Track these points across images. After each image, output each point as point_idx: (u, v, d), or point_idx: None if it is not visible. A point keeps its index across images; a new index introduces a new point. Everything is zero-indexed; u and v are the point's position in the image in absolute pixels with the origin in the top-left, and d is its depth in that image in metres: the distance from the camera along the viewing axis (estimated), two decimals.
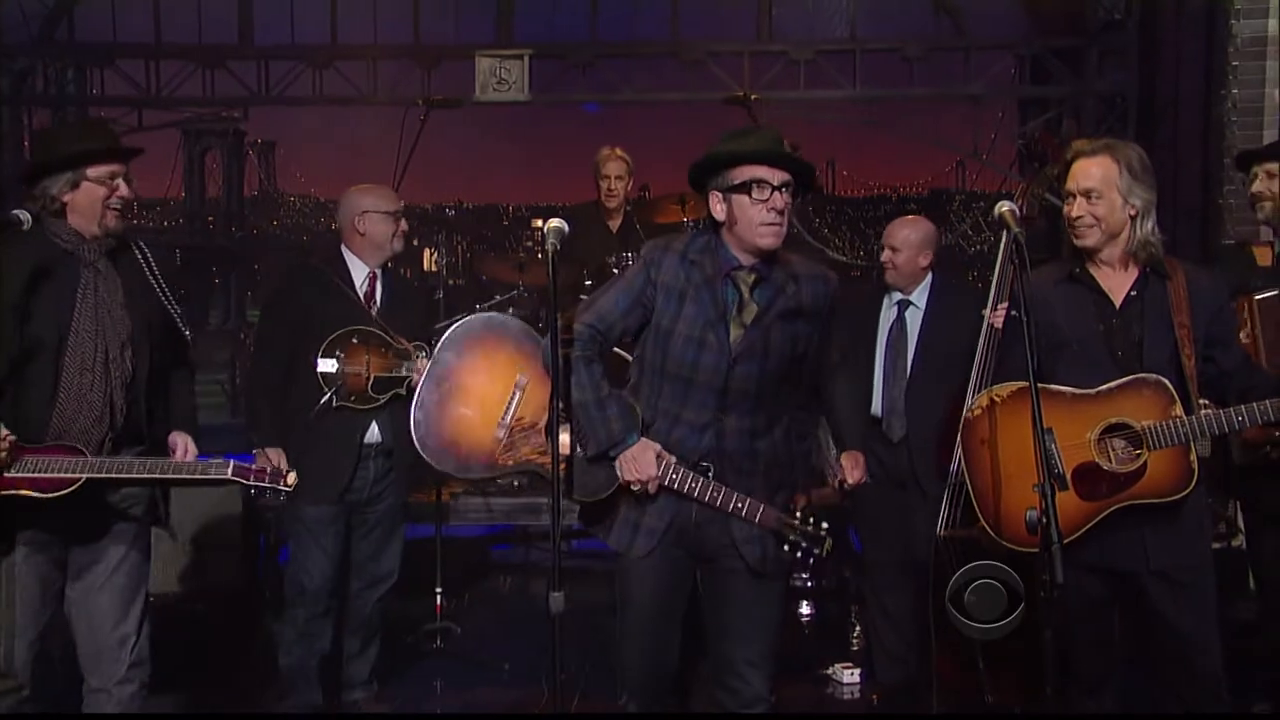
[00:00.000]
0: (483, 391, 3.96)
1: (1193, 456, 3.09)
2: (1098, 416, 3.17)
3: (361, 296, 4.24)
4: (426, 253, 14.82)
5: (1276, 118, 5.73)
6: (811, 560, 3.10)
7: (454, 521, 6.39)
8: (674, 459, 3.09)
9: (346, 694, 4.43)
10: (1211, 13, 6.24)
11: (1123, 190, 3.18)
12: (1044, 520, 2.69)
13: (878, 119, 8.75)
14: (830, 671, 4.85)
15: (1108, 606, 3.29)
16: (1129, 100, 7.69)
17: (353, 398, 4.12)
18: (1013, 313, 3.99)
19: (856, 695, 4.76)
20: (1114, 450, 3.17)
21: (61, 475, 3.15)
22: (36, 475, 3.14)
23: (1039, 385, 3.34)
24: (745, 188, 3.03)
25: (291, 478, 3.40)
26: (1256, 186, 3.96)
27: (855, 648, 5.12)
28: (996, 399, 3.36)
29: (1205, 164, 6.55)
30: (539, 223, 3.24)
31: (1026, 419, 3.26)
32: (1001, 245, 4.09)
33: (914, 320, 4.45)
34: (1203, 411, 3.12)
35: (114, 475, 3.23)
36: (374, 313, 4.22)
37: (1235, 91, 5.89)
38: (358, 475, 4.19)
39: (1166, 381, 3.12)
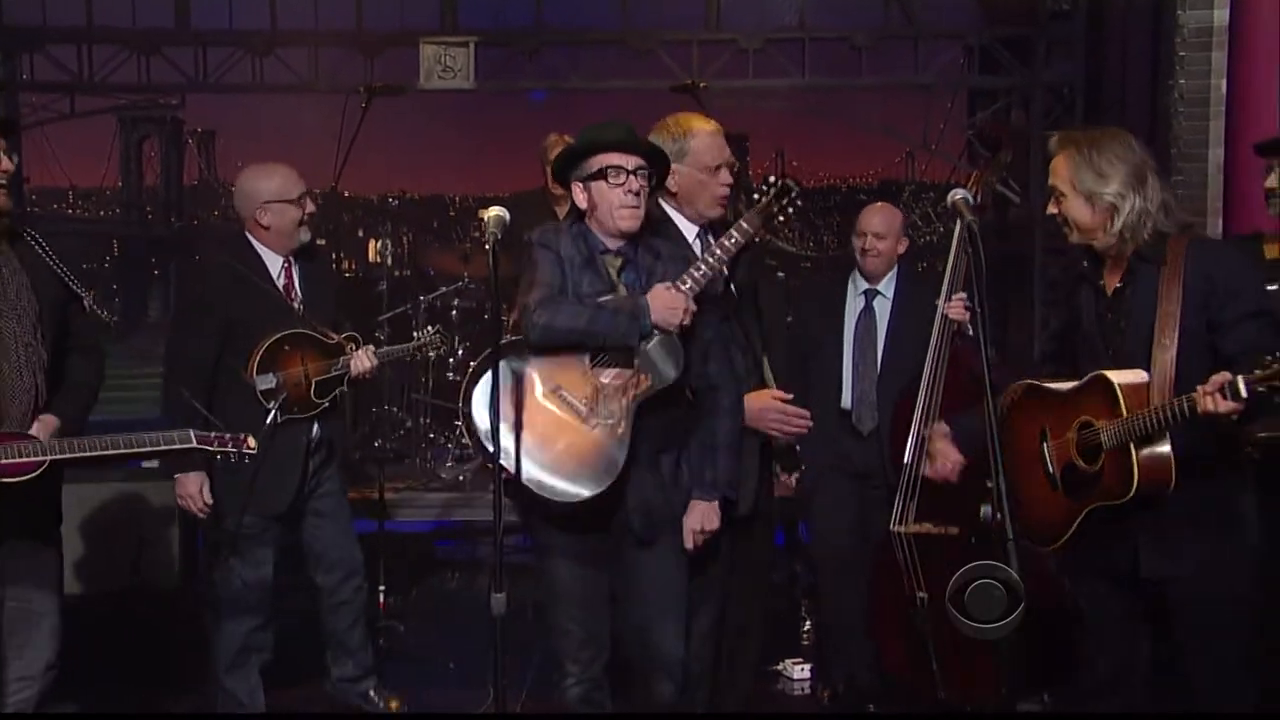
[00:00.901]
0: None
1: (1136, 460, 2.94)
2: (1074, 415, 3.10)
3: (282, 291, 4.06)
4: (371, 244, 14.68)
5: (1222, 109, 5.74)
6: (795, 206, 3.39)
7: (397, 517, 6.29)
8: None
9: (351, 687, 4.33)
10: (1158, 4, 6.26)
11: (1084, 187, 3.08)
12: (999, 516, 2.64)
13: (827, 108, 8.73)
14: (780, 667, 4.81)
15: (1122, 611, 3.19)
16: (1077, 91, 7.71)
17: (296, 408, 3.97)
18: (969, 304, 3.98)
19: (806, 691, 4.73)
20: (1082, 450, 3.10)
21: (23, 460, 3.09)
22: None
23: (1038, 384, 3.31)
24: (602, 174, 3.23)
25: (251, 441, 3.37)
26: (1271, 181, 3.82)
27: (805, 643, 5.08)
28: (1011, 397, 3.31)
29: (1153, 154, 6.56)
30: (485, 214, 3.17)
31: (1033, 418, 3.23)
32: (955, 234, 4.06)
33: (883, 311, 4.42)
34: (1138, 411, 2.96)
35: (77, 455, 3.16)
36: (297, 307, 4.06)
37: (1182, 82, 5.90)
38: (308, 468, 4.10)
39: (1112, 379, 3.00)
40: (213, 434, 3.32)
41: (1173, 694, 3.24)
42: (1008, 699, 3.07)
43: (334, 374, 4.05)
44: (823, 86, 8.32)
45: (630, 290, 3.26)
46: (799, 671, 4.76)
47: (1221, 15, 5.59)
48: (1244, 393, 2.71)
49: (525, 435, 3.19)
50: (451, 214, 16.56)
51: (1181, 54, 5.83)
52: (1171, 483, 2.94)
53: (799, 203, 3.35)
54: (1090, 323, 3.20)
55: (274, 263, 4.08)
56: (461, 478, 6.73)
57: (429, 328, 4.54)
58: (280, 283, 4.08)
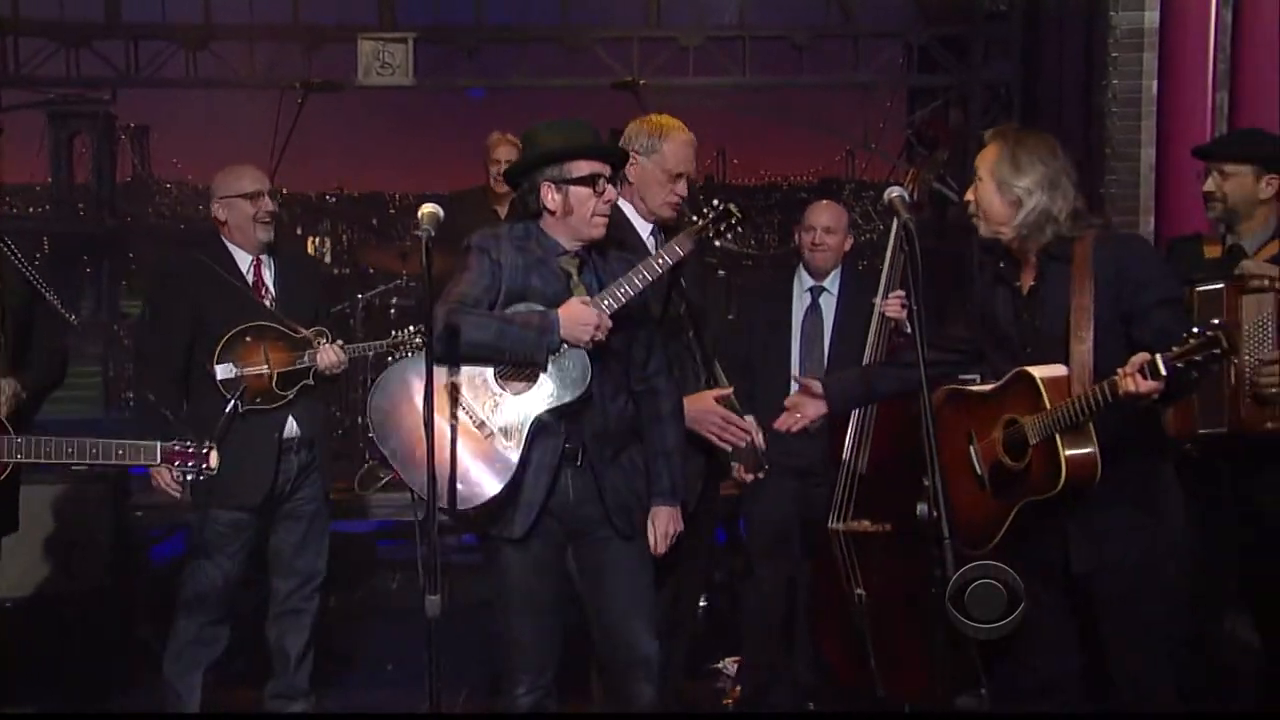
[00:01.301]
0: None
1: (1062, 451, 2.97)
2: (999, 414, 3.13)
3: (251, 287, 4.09)
4: (310, 241, 14.51)
5: (1154, 109, 5.83)
6: (735, 231, 3.36)
7: (338, 517, 6.20)
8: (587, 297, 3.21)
9: (283, 704, 4.24)
10: (1092, 5, 6.33)
11: (999, 177, 3.13)
12: (934, 514, 2.66)
13: (767, 107, 8.75)
14: (720, 665, 4.82)
15: (1054, 609, 3.21)
16: (1013, 90, 7.79)
17: (258, 399, 3.97)
18: (905, 302, 4.01)
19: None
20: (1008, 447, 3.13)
21: None
22: None
23: (959, 388, 3.34)
24: (588, 181, 3.20)
25: (214, 458, 3.38)
26: (1209, 185, 3.83)
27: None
28: (933, 404, 3.33)
29: (1087, 153, 6.66)
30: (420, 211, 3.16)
31: (958, 422, 3.26)
32: (892, 232, 4.09)
33: (829, 307, 4.46)
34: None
35: (41, 460, 3.19)
36: (268, 302, 4.07)
37: (1115, 82, 5.98)
38: (280, 472, 4.03)
39: (1034, 373, 3.04)
40: (176, 447, 3.34)
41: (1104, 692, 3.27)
42: (946, 695, 3.10)
43: (298, 367, 4.03)
44: (763, 85, 8.35)
45: (589, 290, 3.25)
46: (731, 668, 4.77)
47: (1152, 17, 5.67)
48: (1163, 370, 2.76)
49: (422, 443, 3.10)
50: (391, 212, 16.40)
51: (1114, 55, 5.91)
52: (1098, 474, 2.98)
53: (739, 229, 3.33)
54: (1008, 323, 3.24)
55: (243, 259, 4.13)
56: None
57: (409, 328, 4.47)
58: (250, 279, 4.11)
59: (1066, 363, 3.04)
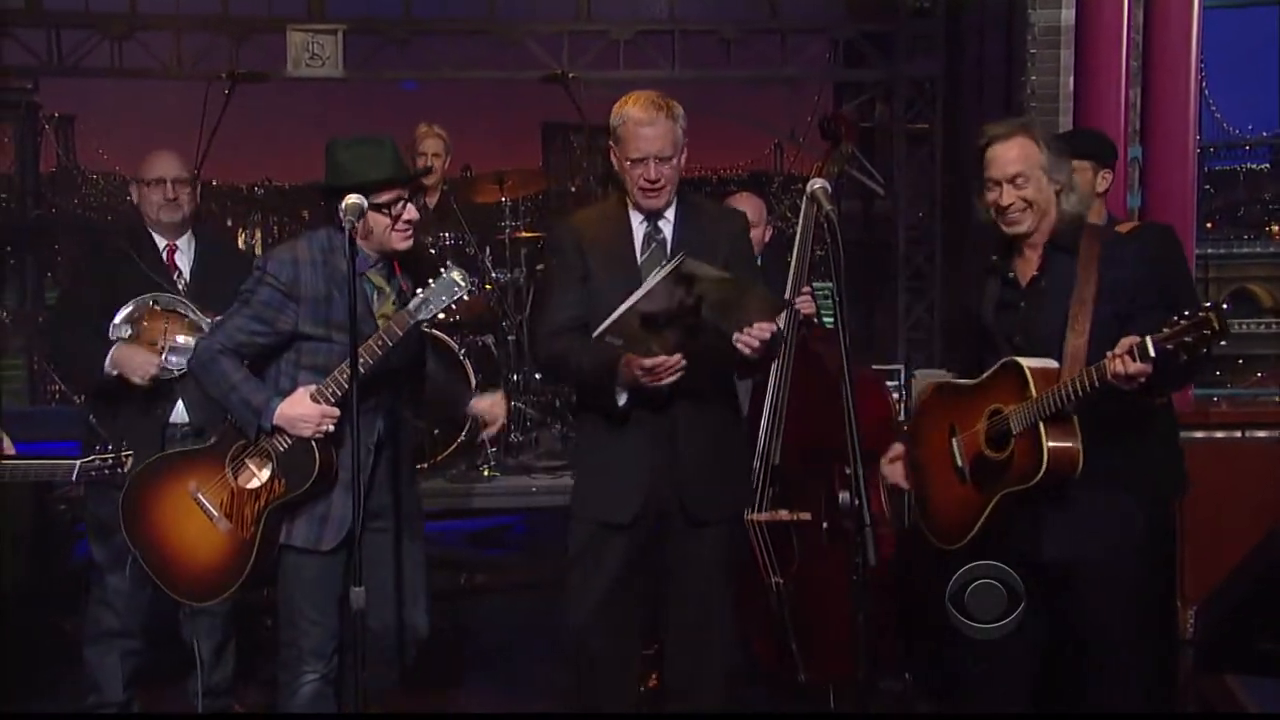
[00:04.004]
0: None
1: (1045, 441, 2.94)
2: (984, 404, 3.11)
3: (165, 270, 4.07)
4: (239, 232, 14.28)
5: (1070, 105, 5.92)
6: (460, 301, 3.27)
7: None
8: (315, 386, 3.27)
9: (207, 702, 4.16)
10: (1012, 3, 6.43)
11: (1046, 167, 3.09)
12: (856, 503, 2.68)
13: (697, 100, 8.76)
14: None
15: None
16: (937, 85, 7.90)
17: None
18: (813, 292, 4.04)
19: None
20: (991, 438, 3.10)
21: None
22: None
23: (947, 380, 3.34)
24: (384, 208, 3.27)
25: (129, 463, 3.42)
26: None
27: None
28: (921, 399, 3.36)
29: None
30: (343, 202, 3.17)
31: (943, 416, 3.25)
32: (800, 225, 4.10)
33: None
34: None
35: None
36: (181, 287, 4.05)
37: (1033, 79, 6.06)
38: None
39: (1022, 363, 3.01)
40: (95, 462, 3.39)
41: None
42: (867, 678, 3.13)
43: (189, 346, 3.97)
44: (693, 78, 8.38)
45: (398, 297, 3.32)
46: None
47: (1069, 15, 5.75)
48: (1152, 352, 2.72)
49: (163, 539, 3.43)
50: (322, 203, 16.16)
51: (1032, 51, 5.99)
52: (1079, 463, 2.95)
53: (465, 298, 3.24)
54: (990, 315, 3.22)
55: (160, 243, 4.13)
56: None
57: None
58: (164, 262, 4.10)
59: (1059, 356, 3.00)
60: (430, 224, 5.78)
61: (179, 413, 3.99)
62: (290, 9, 8.23)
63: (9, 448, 3.44)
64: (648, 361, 3.13)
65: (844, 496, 3.83)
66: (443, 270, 3.27)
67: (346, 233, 3.03)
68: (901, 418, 4.76)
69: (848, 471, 2.80)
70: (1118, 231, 3.31)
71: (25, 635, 4.76)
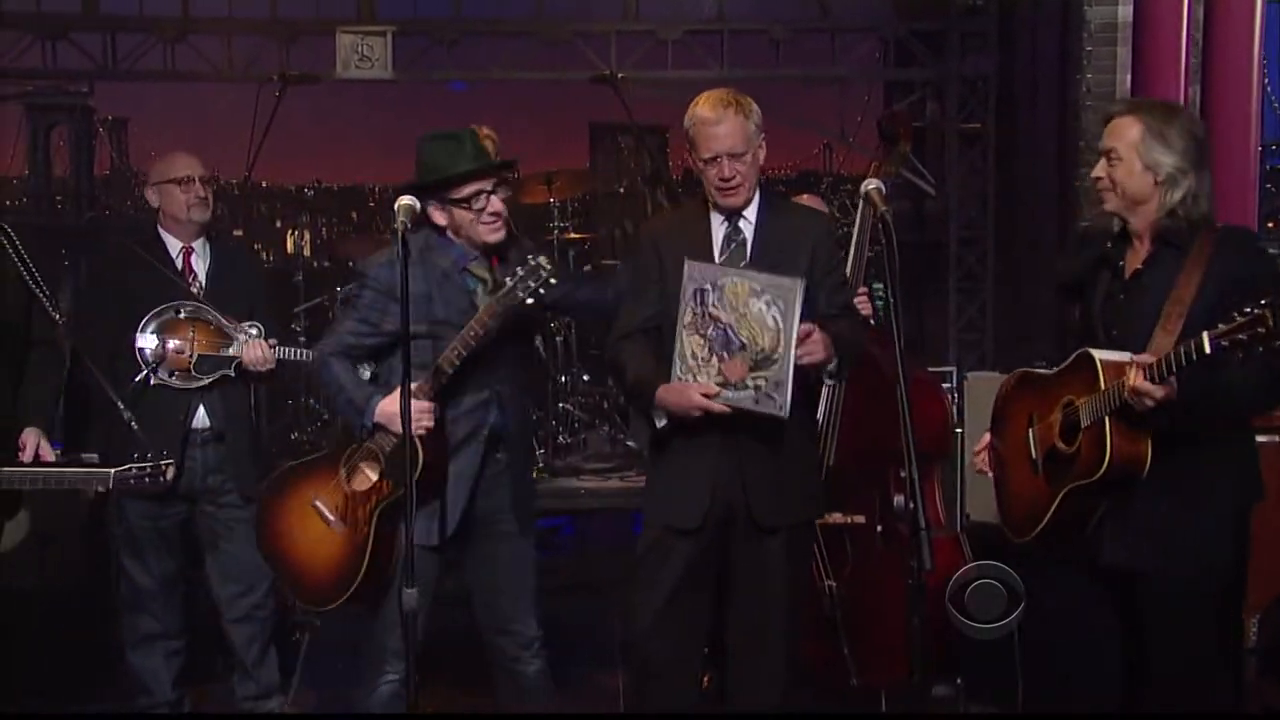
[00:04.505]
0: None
1: (1109, 436, 2.87)
2: (1059, 396, 3.05)
3: (179, 274, 4.06)
4: (289, 234, 14.40)
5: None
6: (546, 286, 3.24)
7: None
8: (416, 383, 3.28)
9: (258, 704, 4.22)
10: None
11: (1143, 153, 2.98)
12: (911, 506, 2.66)
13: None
14: None
15: (1092, 607, 3.16)
16: (989, 84, 7.81)
17: (173, 375, 3.92)
18: (870, 293, 4.01)
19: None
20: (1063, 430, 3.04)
21: None
22: None
23: (1029, 370, 3.26)
24: (465, 202, 3.34)
25: (170, 473, 3.42)
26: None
27: None
28: (1005, 388, 3.29)
29: (1061, 147, 6.67)
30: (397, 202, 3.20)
31: (1023, 406, 3.20)
32: (857, 224, 4.07)
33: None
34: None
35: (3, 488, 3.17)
36: (195, 290, 4.03)
37: (1089, 76, 6.00)
38: (185, 460, 3.97)
39: (1094, 354, 2.94)
40: (132, 471, 3.34)
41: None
42: (920, 683, 3.09)
43: (221, 354, 3.98)
44: (741, 79, 8.31)
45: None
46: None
47: (1126, 11, 5.69)
48: (1208, 348, 2.64)
49: (289, 547, 3.56)
50: (371, 204, 16.29)
51: (1088, 49, 5.93)
52: (1145, 464, 2.88)
53: (551, 281, 3.23)
54: (1097, 306, 3.13)
55: (174, 247, 4.09)
56: None
57: None
58: (179, 266, 4.08)
59: (1146, 351, 2.90)
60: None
61: (201, 418, 4.03)
62: (340, 11, 8.28)
63: (47, 453, 3.47)
64: (699, 398, 3.14)
65: (899, 500, 3.80)
66: (529, 257, 3.28)
67: (399, 234, 3.06)
68: (955, 419, 4.70)
69: (903, 474, 2.77)
70: (1234, 230, 3.13)
71: (73, 638, 4.81)
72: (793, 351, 3.05)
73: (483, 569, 3.55)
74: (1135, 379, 2.77)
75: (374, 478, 3.41)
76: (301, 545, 3.53)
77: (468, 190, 3.32)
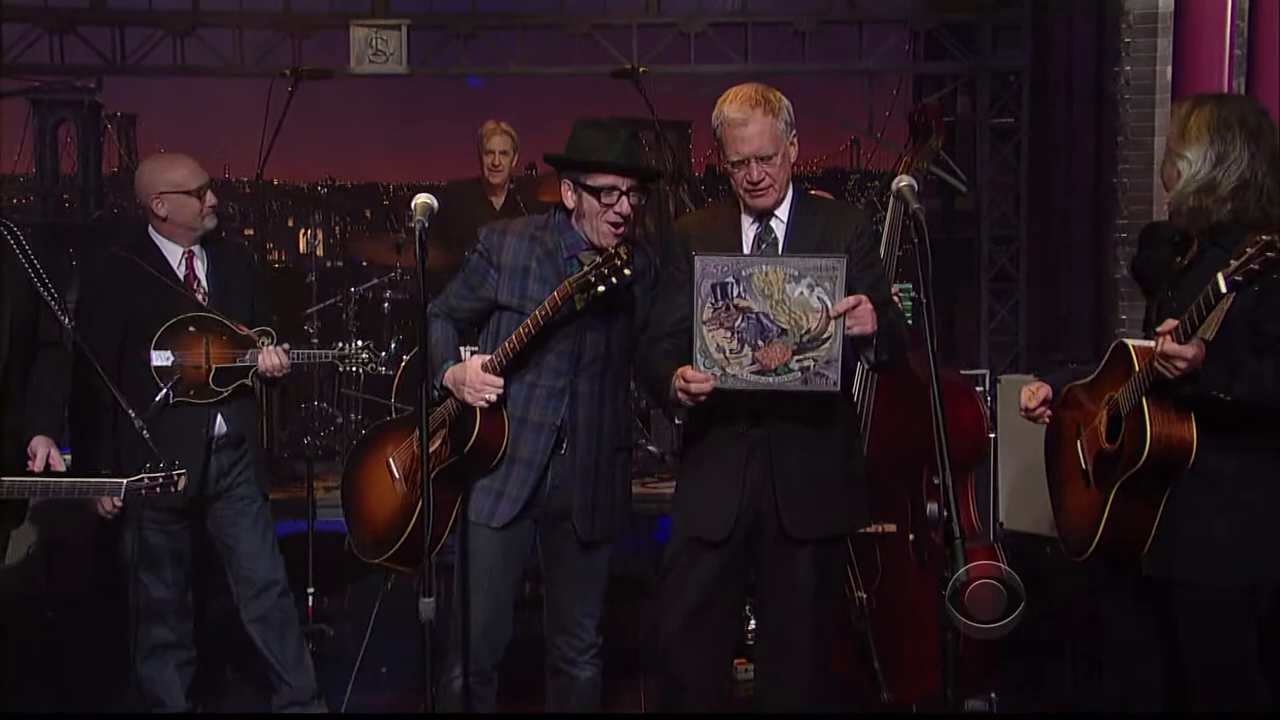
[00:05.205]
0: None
1: (1148, 420, 2.85)
2: (1102, 396, 3.06)
3: (183, 280, 4.04)
4: (301, 233, 14.43)
5: (1168, 96, 5.79)
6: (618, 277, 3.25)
7: (327, 516, 6.18)
8: (489, 356, 3.41)
9: (298, 709, 4.24)
10: None
11: (1173, 145, 3.03)
12: (945, 514, 2.63)
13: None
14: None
15: (1137, 623, 3.14)
16: (1023, 77, 7.77)
17: (191, 392, 3.93)
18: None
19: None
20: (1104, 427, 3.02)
21: None
22: None
23: (1075, 381, 3.23)
24: (596, 192, 3.35)
25: (182, 482, 3.43)
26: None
27: (750, 643, 5.07)
28: (1060, 403, 3.25)
29: (1098, 142, 6.63)
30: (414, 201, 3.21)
31: (1072, 418, 3.17)
32: (887, 222, 4.05)
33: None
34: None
35: (13, 497, 3.22)
36: (200, 298, 4.02)
37: (1128, 69, 5.95)
38: (208, 471, 4.00)
39: (1128, 342, 2.94)
40: (144, 481, 3.36)
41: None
42: (953, 698, 3.07)
43: (237, 364, 3.99)
44: (766, 73, 8.29)
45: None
46: (742, 673, 4.73)
47: (1167, 0, 5.64)
48: (1224, 287, 2.63)
49: (359, 495, 3.76)
50: (385, 203, 16.32)
51: (1127, 40, 5.88)
52: (1191, 448, 2.86)
53: (626, 271, 3.24)
54: (1154, 306, 3.14)
55: (173, 253, 4.08)
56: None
57: (358, 341, 4.50)
58: (180, 273, 4.06)
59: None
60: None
61: (219, 426, 4.05)
62: (353, 4, 8.28)
63: (57, 461, 3.47)
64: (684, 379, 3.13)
65: (932, 508, 3.77)
66: (612, 247, 3.33)
67: (417, 232, 3.07)
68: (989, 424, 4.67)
69: (936, 481, 2.75)
70: None
71: (88, 644, 4.83)
72: (843, 325, 3.04)
73: (553, 566, 3.63)
74: (1163, 344, 2.75)
75: (437, 443, 3.46)
76: (369, 498, 3.71)
77: (604, 180, 3.35)
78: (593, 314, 3.39)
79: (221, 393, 3.98)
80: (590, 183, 3.35)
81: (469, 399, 3.38)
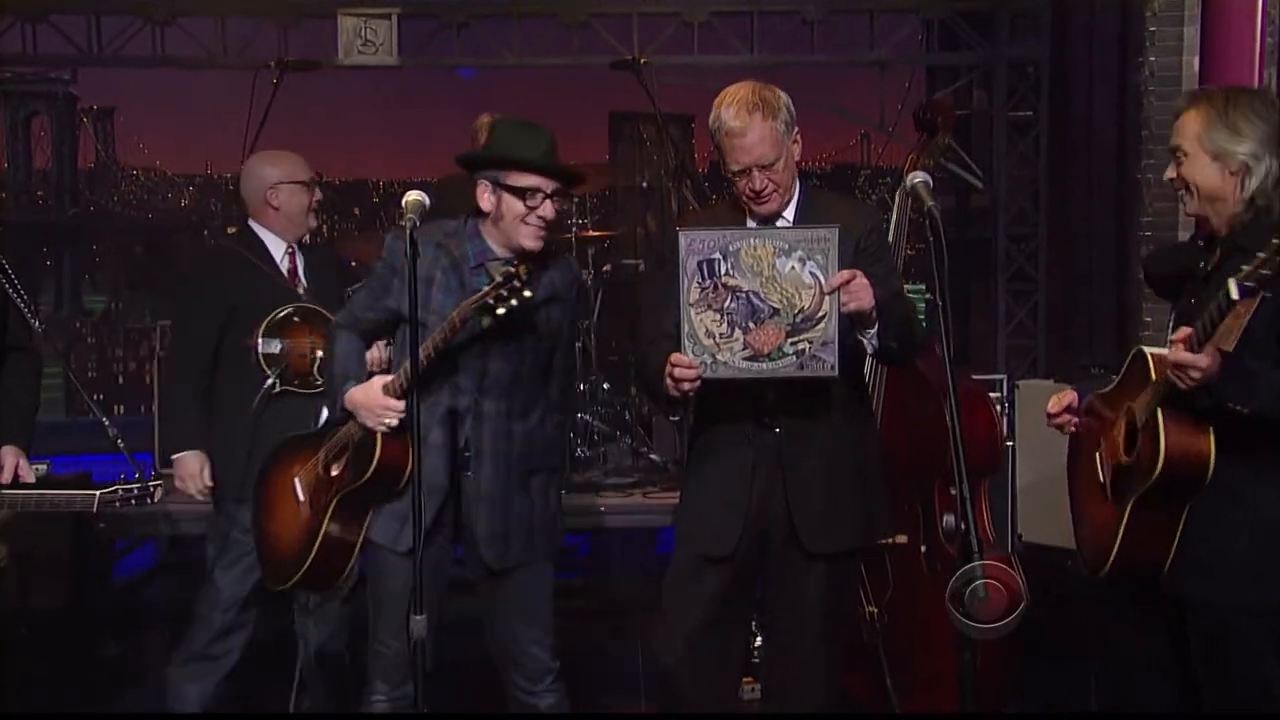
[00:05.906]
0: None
1: (1162, 429, 2.81)
2: (1121, 406, 3.02)
3: (285, 275, 4.18)
4: None
5: (1195, 87, 5.78)
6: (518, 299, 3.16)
7: None
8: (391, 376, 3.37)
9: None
10: None
11: (1211, 147, 2.92)
12: (962, 526, 2.62)
13: (778, 87, 8.70)
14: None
15: (1153, 628, 3.11)
16: (1042, 68, 7.77)
17: (296, 381, 4.04)
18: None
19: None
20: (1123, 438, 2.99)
21: None
22: None
23: (1097, 394, 3.15)
24: (520, 193, 3.30)
25: (158, 494, 3.43)
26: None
27: (756, 660, 5.06)
28: (1088, 404, 3.20)
29: (1121, 135, 6.63)
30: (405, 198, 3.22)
31: (1092, 433, 3.13)
32: (894, 220, 4.05)
33: None
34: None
35: None
36: (300, 291, 4.17)
37: (1152, 59, 5.94)
38: None
39: (1146, 350, 2.91)
40: (118, 488, 3.34)
41: None
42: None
43: None
44: (773, 64, 8.29)
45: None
46: (749, 693, 4.73)
47: None
48: (1235, 293, 2.57)
49: (264, 510, 3.69)
50: (375, 200, 16.36)
51: (1152, 29, 5.87)
52: (1208, 462, 2.83)
53: (526, 294, 3.15)
54: (1175, 315, 3.08)
55: (277, 247, 4.22)
56: None
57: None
58: (284, 268, 4.21)
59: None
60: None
61: (324, 417, 4.08)
62: None
63: (26, 473, 3.49)
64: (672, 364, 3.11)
65: (948, 519, 3.77)
66: (507, 265, 3.27)
67: (408, 231, 3.06)
68: (1006, 432, 4.67)
69: (951, 491, 2.74)
70: None
71: (65, 660, 4.83)
72: (838, 302, 3.00)
73: (486, 593, 3.56)
74: (1176, 353, 2.73)
75: (342, 465, 3.45)
76: (275, 520, 3.64)
77: (528, 181, 3.31)
78: (501, 333, 3.31)
79: (321, 383, 4.03)
80: (512, 183, 3.31)
81: (369, 423, 3.34)
